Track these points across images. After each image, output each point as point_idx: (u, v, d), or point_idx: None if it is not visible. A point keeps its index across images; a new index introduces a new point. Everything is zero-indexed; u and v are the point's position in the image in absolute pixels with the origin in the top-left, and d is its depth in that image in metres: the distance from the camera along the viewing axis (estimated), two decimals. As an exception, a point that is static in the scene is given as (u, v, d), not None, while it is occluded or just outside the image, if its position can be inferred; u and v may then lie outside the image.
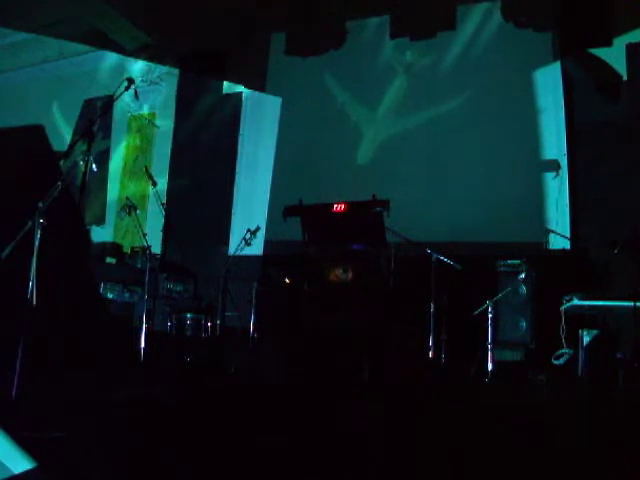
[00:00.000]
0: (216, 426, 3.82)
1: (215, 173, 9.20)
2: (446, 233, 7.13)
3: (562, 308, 5.36)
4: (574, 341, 5.32)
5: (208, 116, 9.40)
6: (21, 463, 2.40)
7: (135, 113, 10.03)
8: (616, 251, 5.21)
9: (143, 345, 5.70)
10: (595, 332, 5.18)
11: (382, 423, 4.02)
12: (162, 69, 10.00)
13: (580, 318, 5.36)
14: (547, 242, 7.05)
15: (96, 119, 8.73)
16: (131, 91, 4.54)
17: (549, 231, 7.06)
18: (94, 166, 4.31)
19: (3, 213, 4.37)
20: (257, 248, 7.77)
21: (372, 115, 8.40)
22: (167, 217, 7.07)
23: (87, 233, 8.76)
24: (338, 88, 8.62)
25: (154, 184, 6.79)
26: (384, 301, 6.42)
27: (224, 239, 8.79)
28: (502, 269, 6.46)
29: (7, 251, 3.81)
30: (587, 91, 7.16)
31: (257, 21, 8.93)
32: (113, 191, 10.07)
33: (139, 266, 7.20)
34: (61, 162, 5.11)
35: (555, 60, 7.45)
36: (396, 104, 8.28)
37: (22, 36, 10.27)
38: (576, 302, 5.22)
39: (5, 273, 3.82)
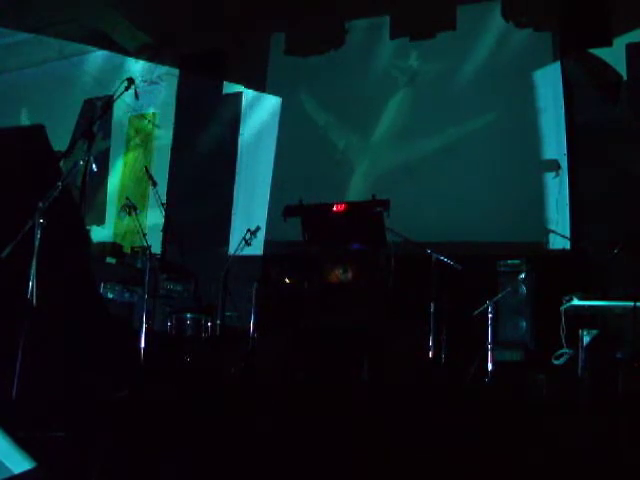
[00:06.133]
0: (216, 426, 3.82)
1: (215, 173, 9.20)
2: (446, 233, 7.13)
3: (562, 308, 5.36)
4: (574, 341, 5.31)
5: (208, 116, 9.39)
6: (21, 463, 2.40)
7: (135, 113, 10.02)
8: (616, 251, 5.21)
9: (143, 345, 5.69)
10: (595, 332, 5.17)
11: (382, 423, 4.02)
12: (162, 69, 10.00)
13: (580, 318, 5.36)
14: (547, 242, 7.05)
15: (96, 119, 8.74)
16: (131, 91, 4.54)
17: (549, 231, 7.06)
18: (94, 166, 4.31)
19: (3, 213, 4.37)
20: (257, 248, 7.77)
21: (372, 116, 8.39)
22: (167, 217, 7.07)
23: (87, 233, 8.75)
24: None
25: (154, 184, 6.79)
26: (384, 301, 6.42)
27: (224, 239, 8.79)
28: (502, 269, 6.45)
29: (7, 251, 3.80)
30: (587, 91, 7.16)
31: (257, 21, 8.93)
32: (113, 191, 10.07)
33: (139, 266, 7.18)
34: (61, 162, 5.11)
35: (555, 60, 7.44)
36: (395, 104, 8.27)
37: (22, 36, 10.26)
38: (576, 302, 5.21)
39: (5, 273, 3.82)
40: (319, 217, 7.57)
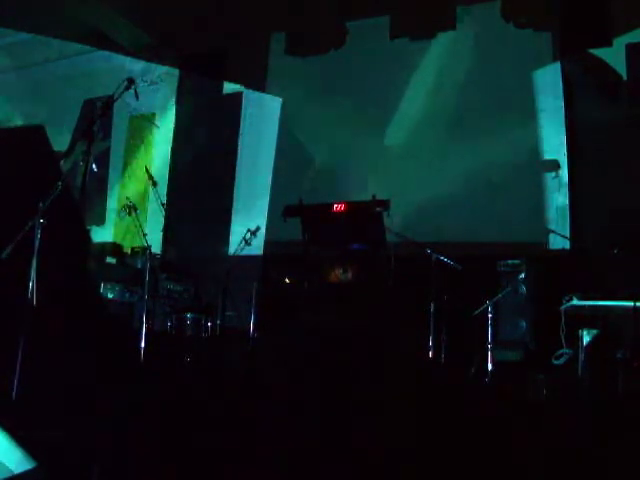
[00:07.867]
0: (216, 426, 3.82)
1: (215, 173, 9.20)
2: (446, 233, 7.13)
3: (562, 308, 5.36)
4: (574, 341, 5.31)
5: (208, 116, 9.39)
6: (21, 463, 2.40)
7: (135, 113, 10.02)
8: (616, 251, 5.21)
9: (143, 345, 5.69)
10: (595, 332, 5.18)
11: (382, 423, 4.02)
12: (162, 69, 10.01)
13: (580, 318, 5.36)
14: (547, 242, 7.05)
15: (96, 119, 8.71)
16: (131, 91, 4.54)
17: (549, 231, 7.05)
18: (94, 166, 4.32)
19: (3, 213, 4.37)
20: (257, 248, 7.77)
21: (372, 117, 8.38)
22: (167, 217, 7.07)
23: (87, 233, 8.74)
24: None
25: (154, 184, 6.79)
26: (384, 301, 6.42)
27: (224, 239, 8.79)
28: (502, 269, 6.46)
29: (7, 251, 3.81)
30: (587, 91, 7.16)
31: (257, 21, 8.93)
32: (113, 191, 10.08)
33: (139, 266, 7.18)
34: (61, 162, 5.11)
35: (555, 60, 7.44)
36: (395, 103, 8.27)
37: (22, 36, 10.28)
38: (576, 302, 5.21)
39: (5, 273, 3.82)
40: (319, 217, 7.57)
